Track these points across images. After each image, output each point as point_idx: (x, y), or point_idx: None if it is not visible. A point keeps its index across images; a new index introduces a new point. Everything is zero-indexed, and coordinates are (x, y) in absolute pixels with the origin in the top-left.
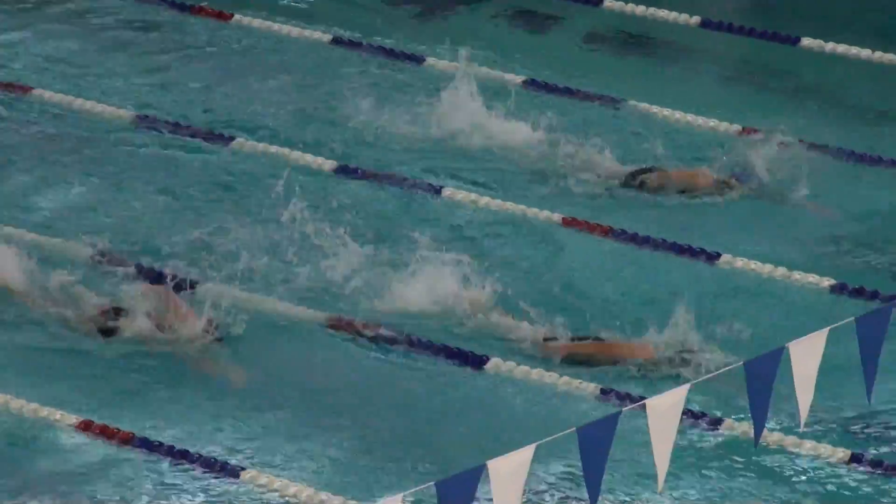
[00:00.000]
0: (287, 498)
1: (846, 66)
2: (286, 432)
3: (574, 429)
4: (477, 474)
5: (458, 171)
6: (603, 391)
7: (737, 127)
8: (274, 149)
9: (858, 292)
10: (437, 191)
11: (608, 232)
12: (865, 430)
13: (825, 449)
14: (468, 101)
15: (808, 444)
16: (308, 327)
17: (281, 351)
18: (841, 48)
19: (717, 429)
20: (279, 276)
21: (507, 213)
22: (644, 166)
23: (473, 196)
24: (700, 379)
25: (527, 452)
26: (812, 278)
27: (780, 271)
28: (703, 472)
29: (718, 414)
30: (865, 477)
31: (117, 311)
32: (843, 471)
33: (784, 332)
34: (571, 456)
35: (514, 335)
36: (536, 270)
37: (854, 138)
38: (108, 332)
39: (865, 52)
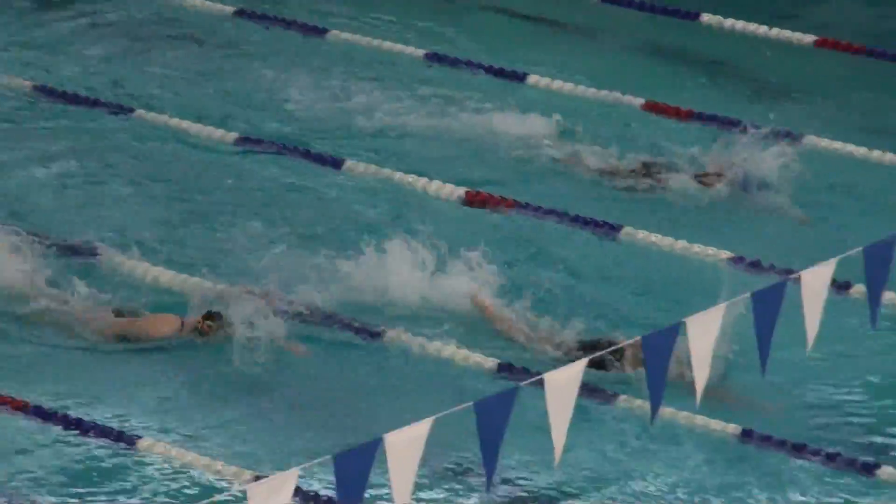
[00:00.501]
0: (183, 466)
1: (745, 41)
2: (186, 404)
3: (472, 403)
4: (373, 448)
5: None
6: (501, 366)
7: (640, 100)
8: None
9: (755, 265)
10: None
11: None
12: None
13: (717, 423)
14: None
15: (699, 420)
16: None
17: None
18: (739, 24)
19: (613, 403)
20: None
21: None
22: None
23: (373, 168)
24: (597, 354)
25: (423, 426)
26: (711, 250)
27: (681, 244)
28: (599, 446)
29: (615, 391)
30: (756, 451)
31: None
32: (734, 444)
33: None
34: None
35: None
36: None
37: (755, 111)
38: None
39: (763, 29)
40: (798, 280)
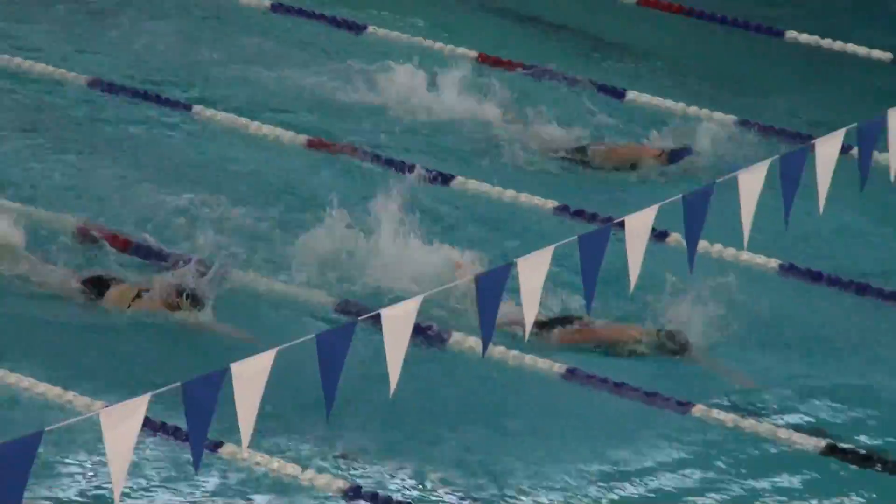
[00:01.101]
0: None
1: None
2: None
3: (313, 335)
4: (220, 376)
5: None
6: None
7: (474, 53)
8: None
9: (579, 214)
10: None
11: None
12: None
13: (544, 363)
14: None
15: (528, 358)
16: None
17: None
18: None
19: (445, 344)
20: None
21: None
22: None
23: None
24: (431, 292)
25: (268, 357)
26: (537, 201)
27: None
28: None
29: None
30: (579, 388)
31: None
32: (559, 383)
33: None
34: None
35: None
36: None
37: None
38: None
39: None
40: (622, 225)
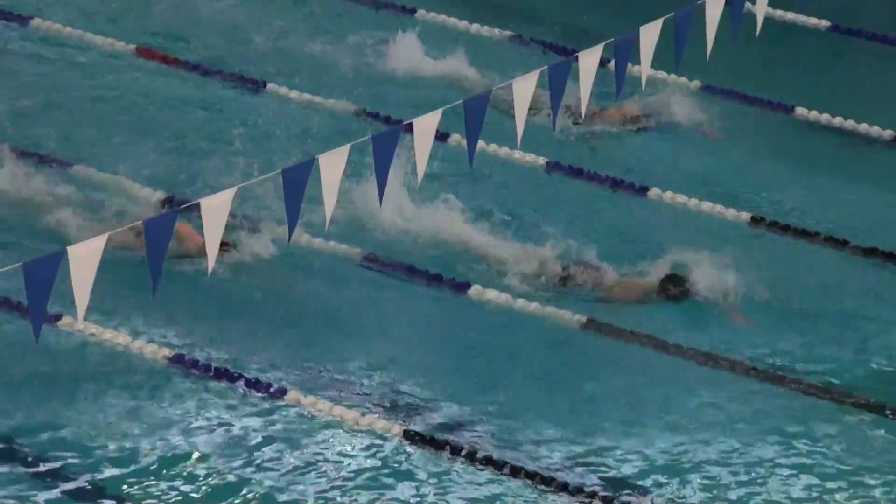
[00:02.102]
0: None
1: None
2: None
3: (141, 221)
4: (58, 258)
5: None
6: None
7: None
8: None
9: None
10: None
11: None
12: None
13: (342, 248)
14: None
15: (331, 244)
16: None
17: None
18: None
19: (257, 232)
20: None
21: None
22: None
23: None
24: (243, 184)
25: (101, 240)
26: (341, 105)
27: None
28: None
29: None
30: (372, 274)
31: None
32: (355, 268)
33: None
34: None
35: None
36: None
37: None
38: None
39: None
40: (410, 127)
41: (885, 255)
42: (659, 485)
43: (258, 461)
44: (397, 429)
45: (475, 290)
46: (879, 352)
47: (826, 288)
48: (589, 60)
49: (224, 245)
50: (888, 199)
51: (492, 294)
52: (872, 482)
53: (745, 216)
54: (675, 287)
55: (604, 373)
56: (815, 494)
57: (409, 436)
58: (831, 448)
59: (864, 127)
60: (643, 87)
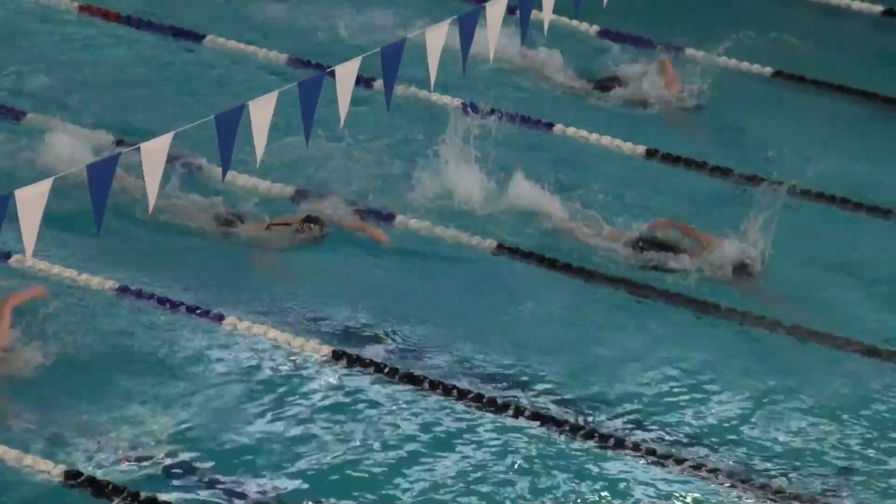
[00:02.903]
0: None
1: None
2: None
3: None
4: (5, 201)
5: None
6: None
7: None
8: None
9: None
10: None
11: None
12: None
13: (273, 186)
14: None
15: (263, 184)
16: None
17: None
18: None
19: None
20: None
21: None
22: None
23: None
24: (179, 129)
25: (46, 184)
26: (274, 55)
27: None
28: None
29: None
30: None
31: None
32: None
33: None
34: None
35: None
36: None
37: None
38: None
39: None
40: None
41: None
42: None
43: (199, 382)
44: (326, 349)
45: (399, 220)
46: None
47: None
48: (496, 9)
49: (310, 223)
50: None
51: (413, 223)
52: None
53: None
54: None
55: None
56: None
57: (337, 355)
58: None
59: None
60: (545, 35)
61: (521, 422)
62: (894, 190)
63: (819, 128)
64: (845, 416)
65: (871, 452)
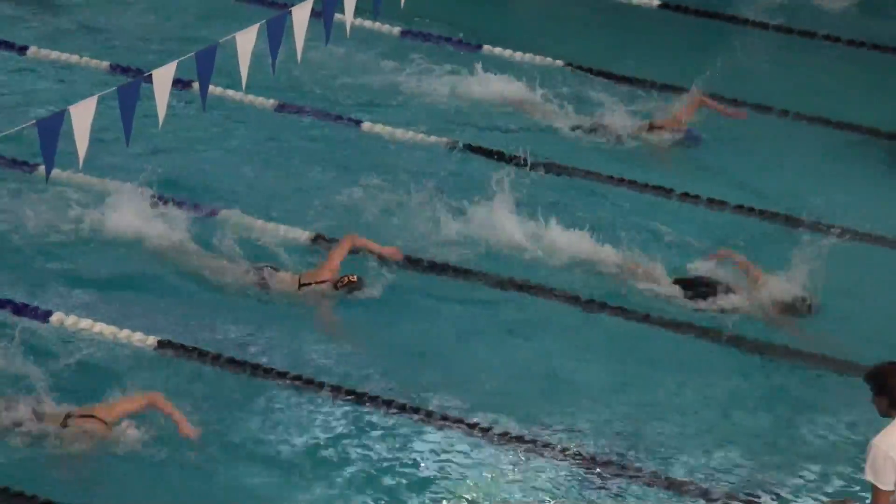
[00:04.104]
0: None
1: None
2: None
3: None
4: (61, 115)
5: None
6: None
7: None
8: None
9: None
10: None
11: None
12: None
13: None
14: None
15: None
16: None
17: None
18: None
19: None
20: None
21: None
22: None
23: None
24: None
25: (92, 101)
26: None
27: None
28: None
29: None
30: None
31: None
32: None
33: None
34: None
35: None
36: None
37: None
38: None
39: None
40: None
41: None
42: None
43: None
44: (152, 340)
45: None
46: None
47: None
48: (301, 13)
49: (350, 283)
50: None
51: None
52: None
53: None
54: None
55: None
56: None
57: (162, 344)
58: None
59: None
60: (347, 35)
61: None
62: None
63: None
64: None
65: None
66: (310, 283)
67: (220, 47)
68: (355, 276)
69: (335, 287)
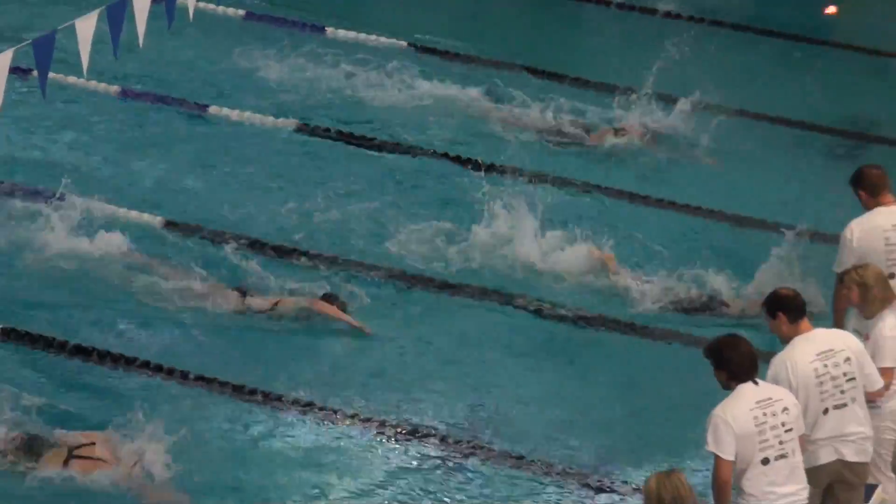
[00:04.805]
0: None
1: None
2: None
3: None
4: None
5: None
6: None
7: None
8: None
9: None
10: None
11: None
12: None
13: None
14: None
15: None
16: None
17: None
18: None
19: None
20: None
21: None
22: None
23: None
24: None
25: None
26: None
27: None
28: None
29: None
30: None
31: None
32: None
33: None
34: None
35: None
36: None
37: None
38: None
39: None
40: None
41: None
42: None
43: None
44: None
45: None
46: None
47: None
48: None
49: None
50: None
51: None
52: None
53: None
54: None
55: None
56: None
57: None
58: None
59: None
60: (191, 19)
61: None
62: None
63: None
64: None
65: None
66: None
67: (61, 33)
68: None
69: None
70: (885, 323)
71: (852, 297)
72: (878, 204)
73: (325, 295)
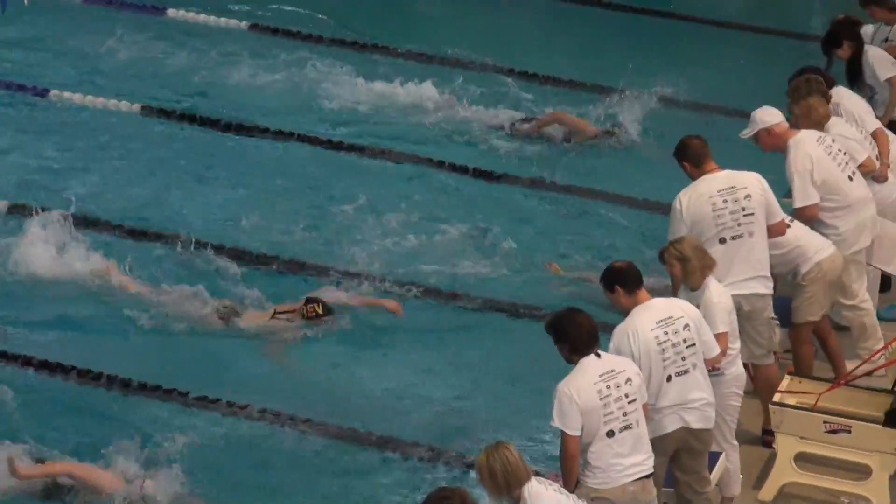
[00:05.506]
0: None
1: None
2: None
3: None
4: None
5: None
6: None
7: None
8: None
9: None
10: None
11: None
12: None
13: None
14: None
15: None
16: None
17: None
18: None
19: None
20: None
21: None
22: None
23: None
24: None
25: None
26: None
27: None
28: None
29: None
30: None
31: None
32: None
33: None
34: None
35: None
36: None
37: None
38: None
39: None
40: None
41: None
42: None
43: None
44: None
45: None
46: None
47: None
48: None
49: (313, 304)
50: None
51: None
52: None
53: None
54: None
55: None
56: None
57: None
58: None
59: None
60: (26, 3)
61: None
62: None
63: None
64: None
65: None
66: (284, 311)
67: None
68: (320, 306)
69: (303, 316)
70: (710, 291)
71: (675, 273)
72: (704, 173)
73: (308, 298)
